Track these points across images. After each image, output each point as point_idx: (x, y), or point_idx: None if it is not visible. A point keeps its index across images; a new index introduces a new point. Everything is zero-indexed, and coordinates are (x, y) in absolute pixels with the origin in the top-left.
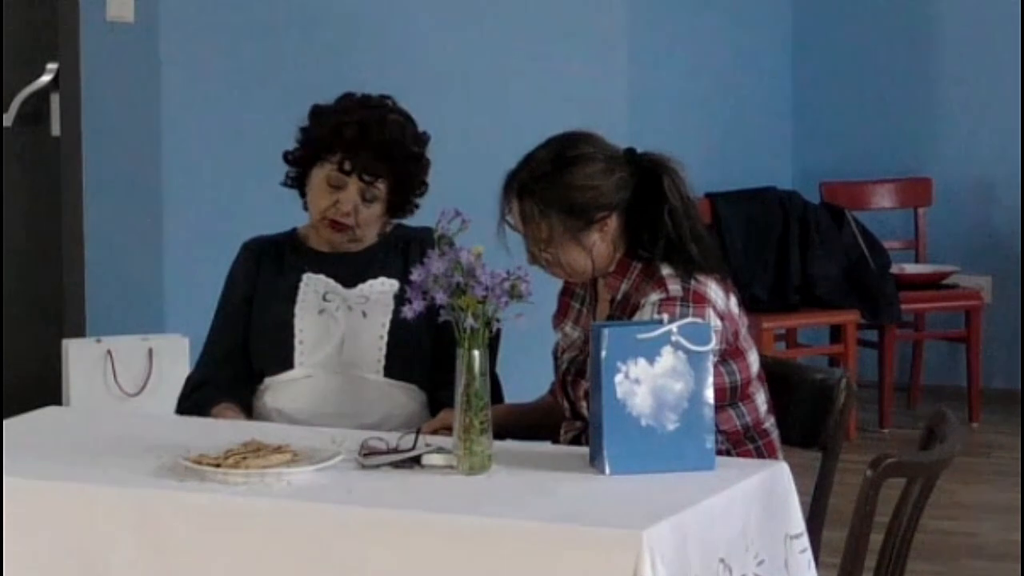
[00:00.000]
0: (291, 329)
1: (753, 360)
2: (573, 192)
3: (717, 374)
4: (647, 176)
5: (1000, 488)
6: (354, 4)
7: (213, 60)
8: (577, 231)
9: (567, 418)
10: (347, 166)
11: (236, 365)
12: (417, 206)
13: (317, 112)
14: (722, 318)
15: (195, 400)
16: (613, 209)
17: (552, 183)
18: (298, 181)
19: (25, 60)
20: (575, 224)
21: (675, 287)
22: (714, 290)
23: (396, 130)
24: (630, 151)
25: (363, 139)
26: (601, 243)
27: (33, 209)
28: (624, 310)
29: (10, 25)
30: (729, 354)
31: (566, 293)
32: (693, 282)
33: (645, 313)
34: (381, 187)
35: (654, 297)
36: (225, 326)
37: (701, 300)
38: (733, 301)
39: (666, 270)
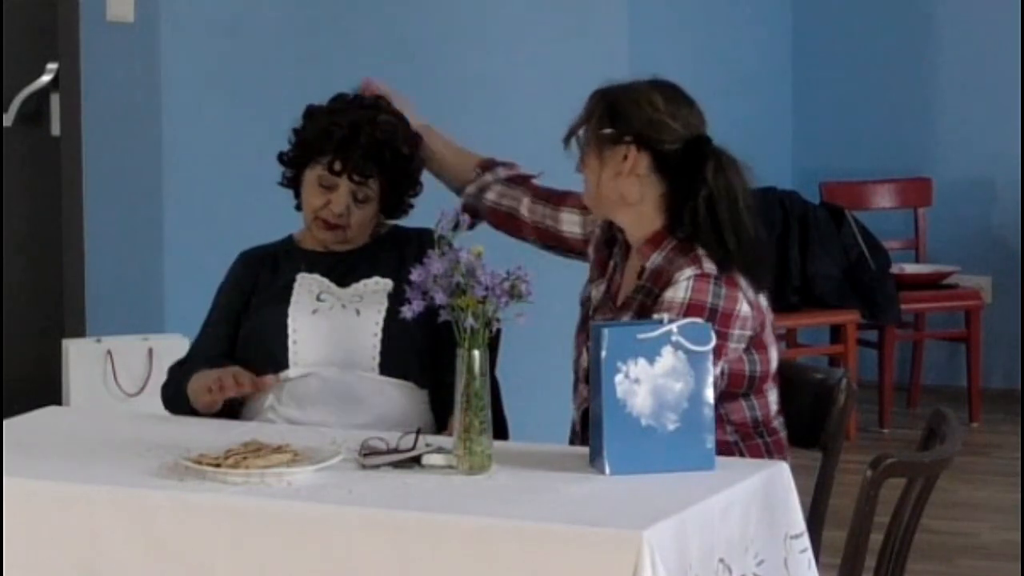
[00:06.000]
0: (285, 330)
1: (773, 357)
2: (625, 98)
3: (739, 361)
4: (698, 161)
5: (1000, 488)
6: (354, 5)
7: (213, 60)
8: (607, 139)
9: (578, 386)
10: (337, 167)
11: (220, 358)
12: (411, 206)
13: (309, 113)
14: (750, 305)
15: (178, 372)
16: (644, 146)
17: (622, 87)
18: (293, 181)
19: (25, 60)
20: (607, 133)
21: (710, 264)
22: (743, 280)
23: (387, 131)
24: (704, 136)
25: (353, 140)
26: (613, 174)
27: (33, 209)
28: (656, 282)
29: (10, 25)
30: (754, 344)
31: (607, 244)
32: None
33: (679, 288)
34: (373, 187)
35: (688, 272)
36: (209, 328)
37: (733, 284)
38: (762, 296)
39: (702, 249)
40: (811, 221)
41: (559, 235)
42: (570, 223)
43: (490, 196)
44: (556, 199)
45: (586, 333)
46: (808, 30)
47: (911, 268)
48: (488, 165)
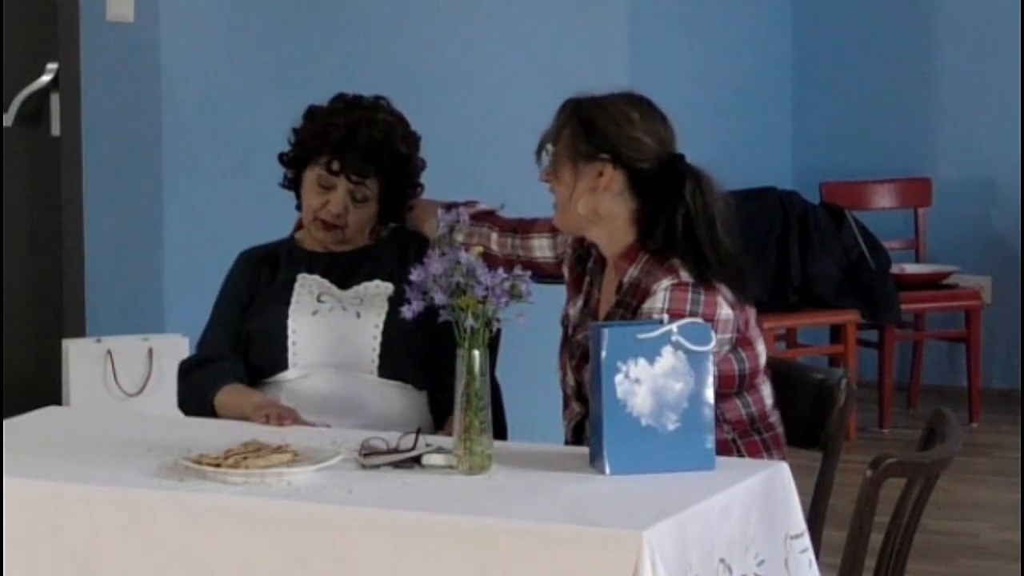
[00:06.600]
0: (285, 331)
1: (761, 351)
2: (601, 114)
3: (727, 361)
4: (676, 180)
5: (1000, 488)
6: (354, 4)
7: (213, 60)
8: (579, 157)
9: (569, 403)
10: (335, 167)
11: (234, 354)
12: (412, 207)
13: (309, 113)
14: (732, 307)
15: (200, 376)
16: (620, 164)
17: (596, 102)
18: (293, 182)
19: (25, 60)
20: (583, 149)
21: (686, 273)
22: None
23: (385, 130)
24: (678, 155)
25: (351, 140)
26: (590, 192)
27: (33, 209)
28: (634, 295)
29: (10, 25)
30: (739, 342)
31: (579, 261)
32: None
33: (657, 299)
34: (371, 187)
35: (665, 283)
36: (220, 323)
37: (712, 289)
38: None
39: (677, 259)
40: (811, 221)
41: (531, 263)
42: (541, 248)
43: (457, 238)
44: (524, 228)
45: (569, 352)
46: (808, 30)
47: (911, 268)
48: (449, 207)
